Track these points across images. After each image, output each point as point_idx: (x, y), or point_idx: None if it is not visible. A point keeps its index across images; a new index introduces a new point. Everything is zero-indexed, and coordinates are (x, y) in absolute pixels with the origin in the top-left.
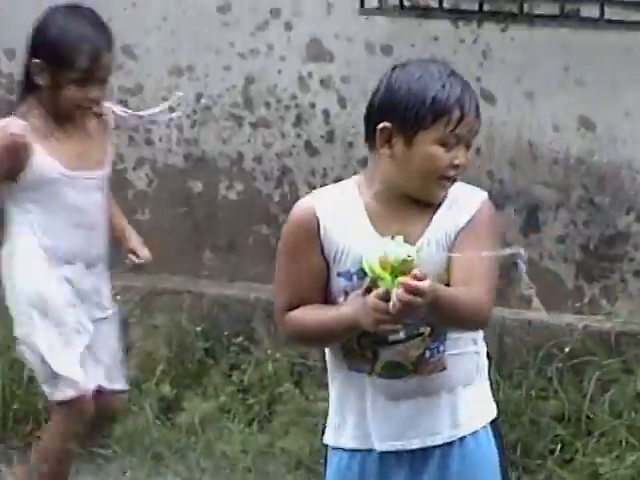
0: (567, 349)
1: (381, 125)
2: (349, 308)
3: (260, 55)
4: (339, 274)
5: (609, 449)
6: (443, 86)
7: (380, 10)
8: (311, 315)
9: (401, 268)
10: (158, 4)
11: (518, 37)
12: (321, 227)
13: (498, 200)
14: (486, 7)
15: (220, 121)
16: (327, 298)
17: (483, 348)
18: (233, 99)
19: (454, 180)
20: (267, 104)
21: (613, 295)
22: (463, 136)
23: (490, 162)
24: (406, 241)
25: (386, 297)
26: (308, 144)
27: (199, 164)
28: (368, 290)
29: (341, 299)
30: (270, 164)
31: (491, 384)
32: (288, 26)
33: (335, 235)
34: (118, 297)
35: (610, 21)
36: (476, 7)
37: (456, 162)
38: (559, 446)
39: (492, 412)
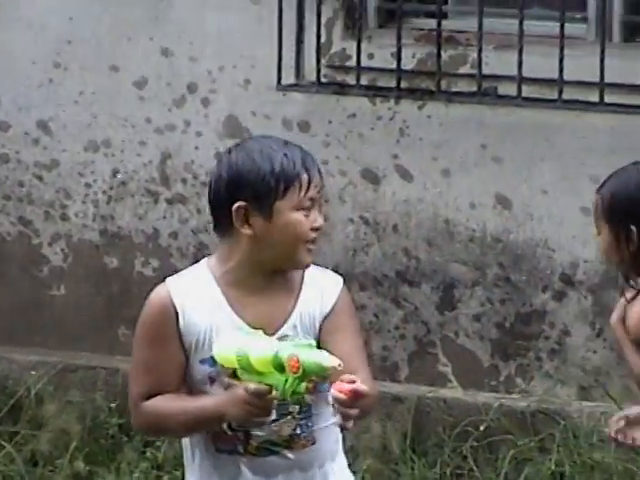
0: (482, 427)
1: (236, 205)
2: (212, 400)
3: (177, 131)
4: (202, 361)
5: None
6: (285, 154)
7: (297, 86)
8: (170, 405)
9: (315, 374)
10: (74, 79)
11: (435, 114)
12: (179, 315)
13: (414, 277)
14: (403, 84)
15: (136, 197)
16: (189, 385)
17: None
18: (149, 174)
19: (315, 243)
20: (183, 180)
21: (529, 373)
22: (315, 198)
23: (406, 239)
24: (269, 325)
25: (261, 394)
26: None
27: (115, 240)
28: (232, 376)
29: (206, 386)
30: (186, 240)
31: (405, 462)
32: (205, 102)
33: (194, 323)
34: (32, 372)
35: (527, 99)
36: (393, 84)
37: (316, 225)
38: None
39: None
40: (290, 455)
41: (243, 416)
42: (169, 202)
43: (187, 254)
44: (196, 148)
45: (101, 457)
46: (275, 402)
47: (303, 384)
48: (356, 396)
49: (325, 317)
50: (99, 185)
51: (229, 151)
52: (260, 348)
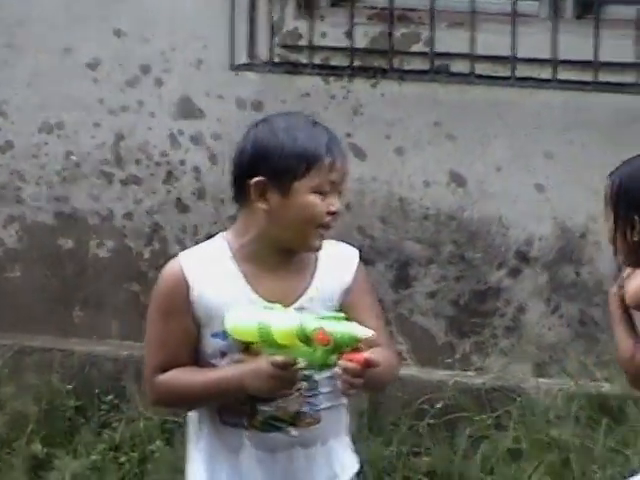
0: (439, 405)
1: (255, 180)
2: (234, 371)
3: (130, 112)
4: (214, 335)
5: None
6: (311, 135)
7: (250, 66)
8: (188, 377)
9: (347, 345)
10: (28, 61)
11: (388, 92)
12: (191, 289)
13: (369, 256)
14: (356, 63)
15: (90, 178)
16: (199, 359)
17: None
18: (103, 156)
19: (329, 227)
20: (137, 161)
21: (484, 351)
22: (336, 182)
23: (361, 218)
24: (284, 300)
25: (287, 366)
26: (179, 201)
27: (69, 221)
28: (244, 350)
29: (217, 359)
30: (140, 221)
31: (362, 440)
32: (158, 82)
33: (207, 297)
34: None
35: (480, 76)
36: (347, 63)
37: (332, 209)
38: None
39: (357, 463)
40: (294, 432)
41: (266, 388)
42: (123, 183)
43: (142, 235)
44: (149, 129)
45: (58, 439)
46: (300, 374)
47: (334, 356)
48: (368, 365)
49: (345, 292)
50: (53, 167)
51: (256, 125)
52: (282, 320)
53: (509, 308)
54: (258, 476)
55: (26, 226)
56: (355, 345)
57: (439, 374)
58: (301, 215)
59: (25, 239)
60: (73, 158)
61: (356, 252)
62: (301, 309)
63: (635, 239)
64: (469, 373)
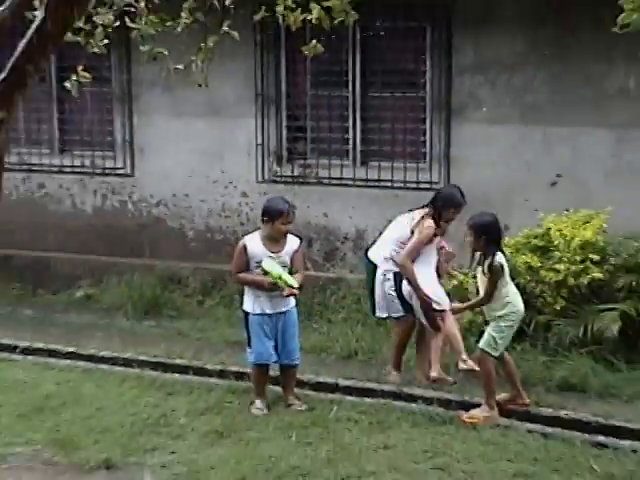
0: None
1: (264, 219)
2: (259, 278)
3: None
4: (256, 263)
5: None
6: (282, 202)
7: None
8: (244, 275)
9: (288, 284)
10: None
11: None
12: (247, 248)
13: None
14: None
15: None
16: (248, 270)
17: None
18: None
19: (286, 234)
20: None
21: None
22: (289, 221)
23: None
24: (276, 253)
25: (271, 284)
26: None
27: None
28: (264, 274)
29: (254, 271)
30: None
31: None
32: None
33: (252, 251)
34: None
35: None
36: None
37: (285, 229)
38: None
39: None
40: (284, 293)
41: (266, 287)
42: None
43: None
44: None
45: None
46: (274, 285)
47: (286, 286)
48: (293, 293)
49: (293, 252)
50: None
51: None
52: (274, 268)
53: None
54: (267, 304)
55: None
56: (291, 285)
57: None
58: (277, 230)
59: None
60: None
61: (298, 238)
62: (279, 257)
63: (481, 244)
64: None
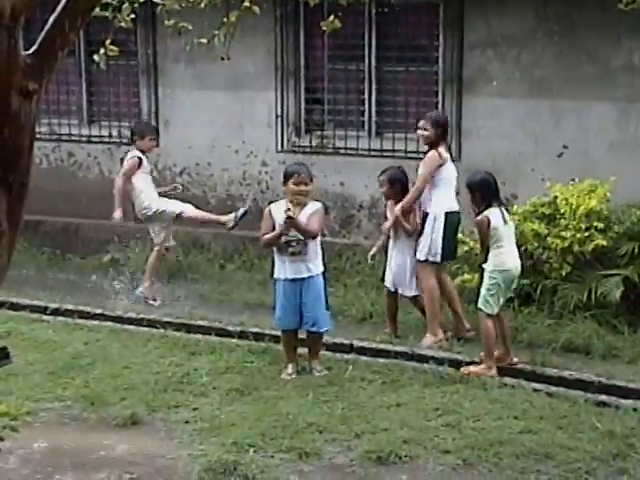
0: None
1: (284, 181)
2: (277, 231)
3: None
4: (280, 223)
5: None
6: (298, 165)
7: None
8: (267, 236)
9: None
10: None
11: None
12: (272, 213)
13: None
14: None
15: None
16: (274, 228)
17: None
18: None
19: (301, 195)
20: None
21: None
22: (302, 181)
23: None
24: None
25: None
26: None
27: None
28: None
29: (279, 229)
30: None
31: None
32: None
33: (274, 215)
34: None
35: None
36: None
37: (301, 188)
38: None
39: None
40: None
41: (282, 230)
42: None
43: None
44: None
45: None
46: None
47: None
48: (289, 215)
49: (311, 214)
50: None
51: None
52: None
53: None
54: (290, 269)
55: None
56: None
57: None
58: (291, 191)
59: None
60: None
61: (320, 203)
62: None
63: (478, 200)
64: None
